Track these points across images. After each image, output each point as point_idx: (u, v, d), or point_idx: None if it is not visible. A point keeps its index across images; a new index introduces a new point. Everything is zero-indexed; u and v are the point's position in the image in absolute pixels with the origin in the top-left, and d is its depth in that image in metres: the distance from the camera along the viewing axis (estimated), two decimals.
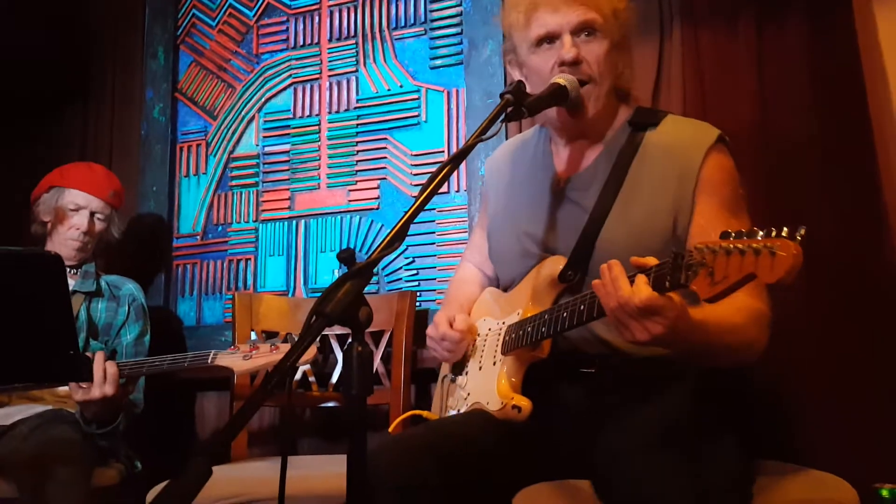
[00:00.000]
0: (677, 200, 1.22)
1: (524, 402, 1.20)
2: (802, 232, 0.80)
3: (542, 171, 1.39)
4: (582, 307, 1.10)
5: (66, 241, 2.02)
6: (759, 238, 0.83)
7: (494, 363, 1.30)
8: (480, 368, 1.34)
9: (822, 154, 1.79)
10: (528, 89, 1.22)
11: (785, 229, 0.81)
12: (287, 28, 2.47)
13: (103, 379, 1.64)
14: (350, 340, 0.85)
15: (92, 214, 2.05)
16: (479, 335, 1.39)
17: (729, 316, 1.07)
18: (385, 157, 2.29)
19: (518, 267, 1.35)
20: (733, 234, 0.86)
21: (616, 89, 1.33)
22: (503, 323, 1.33)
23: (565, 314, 1.14)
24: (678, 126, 1.31)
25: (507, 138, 2.06)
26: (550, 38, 1.27)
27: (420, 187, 2.19)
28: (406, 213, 0.97)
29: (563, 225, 1.30)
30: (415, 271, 2.20)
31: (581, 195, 1.30)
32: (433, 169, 2.20)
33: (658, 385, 1.18)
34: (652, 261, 0.98)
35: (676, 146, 1.26)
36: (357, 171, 2.31)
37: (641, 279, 0.97)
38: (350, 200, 2.31)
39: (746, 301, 1.11)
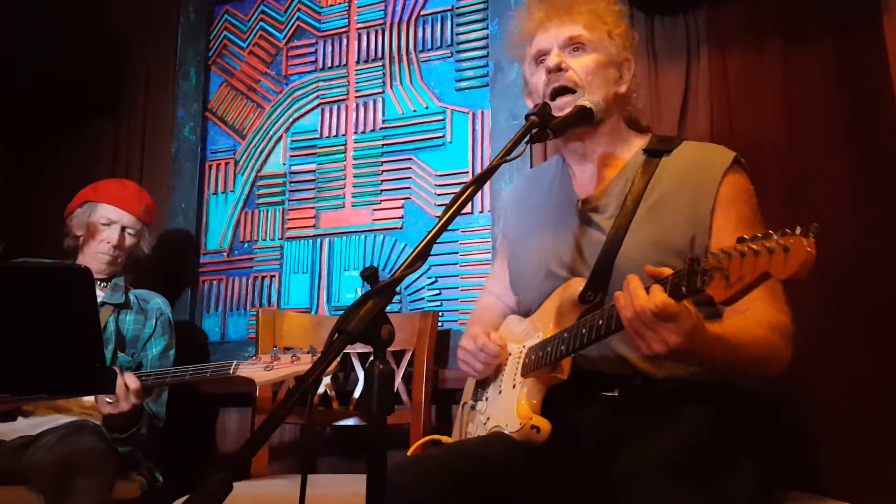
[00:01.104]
0: (695, 222, 1.23)
1: (543, 423, 1.19)
2: (815, 229, 0.81)
3: (562, 195, 1.42)
4: (601, 321, 1.10)
5: (96, 254, 2.06)
6: (774, 238, 0.83)
7: (514, 386, 1.29)
8: (500, 393, 1.33)
9: (849, 172, 1.76)
10: None
11: (799, 228, 0.82)
12: (316, 50, 2.52)
13: (126, 392, 1.69)
14: (372, 359, 0.85)
15: (123, 229, 2.09)
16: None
17: (749, 329, 1.07)
18: (410, 178, 2.30)
19: (540, 290, 1.35)
20: (749, 238, 0.87)
21: (628, 118, 1.39)
22: (524, 346, 1.32)
23: (584, 330, 1.14)
24: (693, 150, 1.34)
25: (531, 160, 2.08)
26: (543, 56, 1.36)
27: (444, 207, 2.21)
28: (429, 233, 0.97)
29: (583, 247, 1.32)
30: (437, 291, 2.20)
31: (599, 217, 1.32)
32: (457, 189, 2.21)
33: (680, 408, 1.16)
34: (667, 271, 0.99)
35: (693, 169, 1.28)
36: (382, 190, 2.33)
37: (657, 287, 0.98)
38: (374, 219, 2.33)
39: (768, 313, 1.11)
